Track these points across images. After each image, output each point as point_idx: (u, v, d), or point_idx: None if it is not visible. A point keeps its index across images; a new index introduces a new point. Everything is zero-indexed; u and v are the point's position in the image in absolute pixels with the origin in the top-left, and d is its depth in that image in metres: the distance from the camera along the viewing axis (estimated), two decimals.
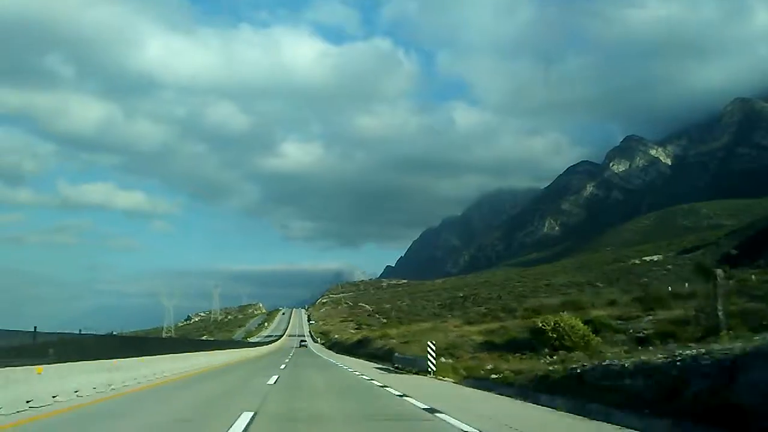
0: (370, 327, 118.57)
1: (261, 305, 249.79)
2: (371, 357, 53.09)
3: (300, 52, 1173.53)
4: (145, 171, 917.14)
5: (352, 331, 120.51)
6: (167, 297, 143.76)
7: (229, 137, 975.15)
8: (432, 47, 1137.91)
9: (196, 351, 34.94)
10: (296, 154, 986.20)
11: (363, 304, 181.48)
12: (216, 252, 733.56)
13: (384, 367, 36.68)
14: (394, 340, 54.31)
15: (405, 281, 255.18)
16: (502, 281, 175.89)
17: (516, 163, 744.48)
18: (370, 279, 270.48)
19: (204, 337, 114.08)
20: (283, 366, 35.90)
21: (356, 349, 71.29)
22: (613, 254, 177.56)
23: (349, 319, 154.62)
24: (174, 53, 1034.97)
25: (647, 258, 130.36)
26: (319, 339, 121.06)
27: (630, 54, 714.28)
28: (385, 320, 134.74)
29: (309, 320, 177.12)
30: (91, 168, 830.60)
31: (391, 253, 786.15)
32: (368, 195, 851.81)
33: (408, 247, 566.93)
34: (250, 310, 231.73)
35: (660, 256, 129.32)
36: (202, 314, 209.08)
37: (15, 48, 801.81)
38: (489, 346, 30.20)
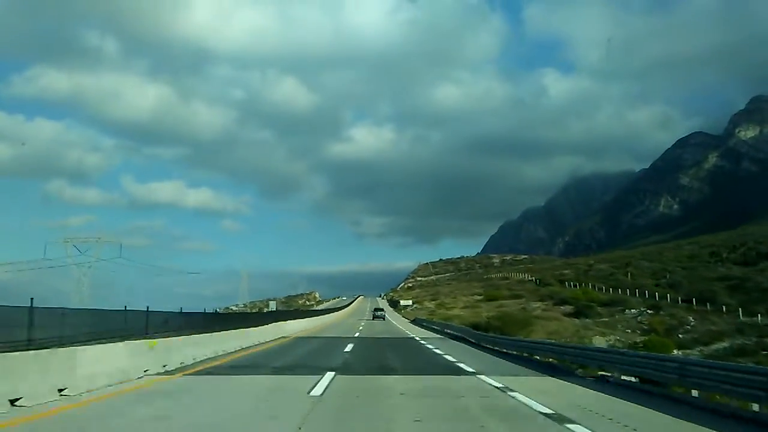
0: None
1: (316, 294, 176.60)
2: None
3: (368, 10, 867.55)
4: (210, 164, 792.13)
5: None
6: None
7: (292, 120, 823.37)
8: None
9: None
10: (366, 139, 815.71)
11: (519, 275, 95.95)
12: (285, 252, 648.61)
13: None
14: None
15: (525, 256, 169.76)
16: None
17: (612, 141, 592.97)
18: (475, 255, 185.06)
19: None
20: None
21: None
22: None
23: (507, 294, 70.12)
24: (225, 18, 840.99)
25: None
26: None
27: None
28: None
29: (397, 305, 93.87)
30: (155, 163, 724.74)
31: (467, 250, 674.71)
32: (444, 185, 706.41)
33: (485, 242, 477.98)
34: (301, 301, 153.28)
35: None
36: (233, 308, 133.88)
37: (56, 22, 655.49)
38: None
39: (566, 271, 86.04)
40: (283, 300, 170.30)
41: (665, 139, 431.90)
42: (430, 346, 24.15)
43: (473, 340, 27.79)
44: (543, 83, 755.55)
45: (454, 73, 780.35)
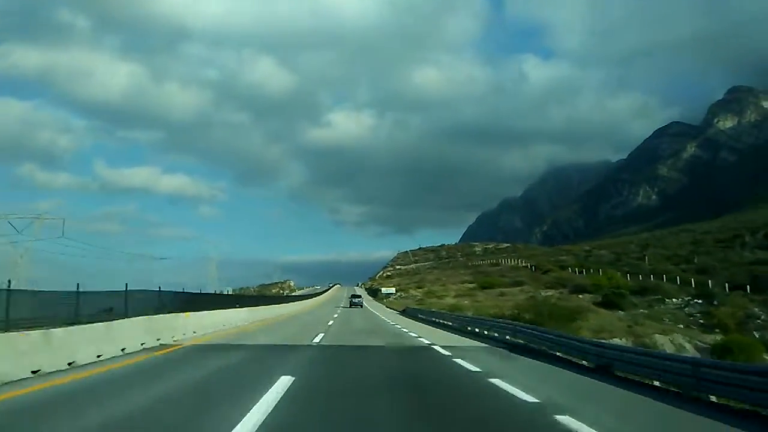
0: None
1: (291, 283, 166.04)
2: None
3: None
4: (185, 148, 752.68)
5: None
6: None
7: (269, 103, 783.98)
8: None
9: None
10: (345, 123, 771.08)
11: (511, 261, 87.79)
12: (261, 241, 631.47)
13: None
14: None
15: (508, 244, 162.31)
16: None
17: (590, 130, 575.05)
18: (453, 244, 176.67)
19: None
20: None
21: None
22: None
23: (507, 282, 61.18)
24: None
25: None
26: None
27: None
28: None
29: (377, 294, 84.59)
30: (128, 146, 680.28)
31: (445, 239, 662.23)
32: (423, 173, 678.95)
33: (463, 232, 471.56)
34: (275, 290, 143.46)
35: None
36: None
37: None
38: None
39: (564, 257, 77.28)
40: (256, 289, 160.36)
41: (643, 128, 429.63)
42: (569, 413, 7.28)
43: (589, 365, 12.75)
44: (523, 69, 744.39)
45: (434, 56, 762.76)
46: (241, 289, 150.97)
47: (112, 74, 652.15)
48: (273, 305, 40.29)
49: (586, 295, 43.23)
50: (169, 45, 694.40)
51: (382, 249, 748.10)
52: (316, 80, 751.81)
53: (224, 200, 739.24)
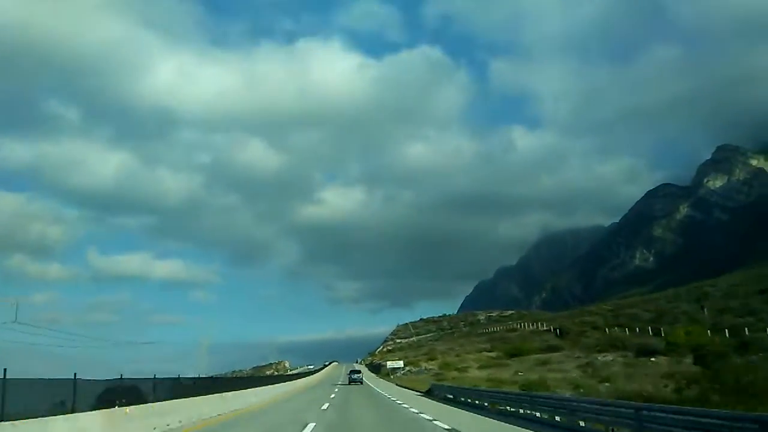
0: None
1: (286, 363, 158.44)
2: None
3: (334, 68, 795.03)
4: (177, 233, 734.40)
5: None
6: None
7: (261, 184, 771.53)
8: (484, 55, 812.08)
9: None
10: (337, 200, 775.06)
11: (531, 325, 79.16)
12: (256, 322, 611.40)
13: None
14: None
15: (512, 311, 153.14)
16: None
17: (581, 196, 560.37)
18: (453, 314, 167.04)
19: None
20: None
21: None
22: None
23: (539, 348, 52.30)
24: (188, 81, 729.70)
25: None
26: None
27: (720, 42, 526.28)
28: None
29: (380, 369, 75.53)
30: (120, 234, 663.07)
31: (443, 311, 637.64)
32: (416, 246, 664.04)
33: (461, 303, 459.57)
34: (269, 371, 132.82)
35: None
36: None
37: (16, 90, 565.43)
38: None
39: (589, 318, 68.42)
40: (249, 371, 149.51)
41: (633, 192, 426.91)
42: None
43: None
44: (510, 138, 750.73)
45: (422, 130, 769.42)
46: (234, 372, 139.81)
47: (102, 163, 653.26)
48: (241, 390, 29.02)
49: (660, 357, 34.18)
50: (158, 132, 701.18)
51: (380, 324, 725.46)
52: (307, 159, 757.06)
53: (218, 283, 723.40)
